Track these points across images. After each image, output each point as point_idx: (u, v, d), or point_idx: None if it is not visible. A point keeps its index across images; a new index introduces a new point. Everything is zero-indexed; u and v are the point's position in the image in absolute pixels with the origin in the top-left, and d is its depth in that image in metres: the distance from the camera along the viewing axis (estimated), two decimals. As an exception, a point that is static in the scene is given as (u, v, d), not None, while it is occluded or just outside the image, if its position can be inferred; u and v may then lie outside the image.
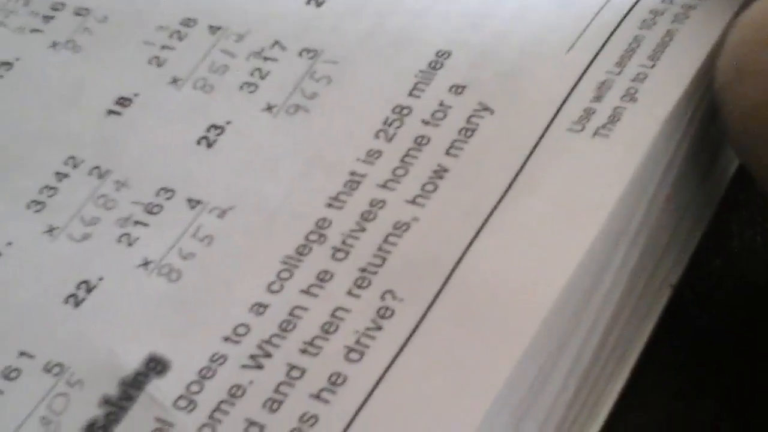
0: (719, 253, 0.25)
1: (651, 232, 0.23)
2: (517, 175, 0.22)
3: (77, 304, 0.22)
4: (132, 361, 0.21)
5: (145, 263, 0.22)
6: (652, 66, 0.23)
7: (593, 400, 0.22)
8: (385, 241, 0.22)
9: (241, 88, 0.25)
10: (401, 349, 0.20)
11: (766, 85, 0.21)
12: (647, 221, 0.22)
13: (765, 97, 0.21)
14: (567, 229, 0.21)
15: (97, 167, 0.24)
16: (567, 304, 0.20)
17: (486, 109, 0.23)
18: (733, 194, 0.25)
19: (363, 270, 0.21)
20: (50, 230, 0.23)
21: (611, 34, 0.23)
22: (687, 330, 0.24)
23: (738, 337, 0.24)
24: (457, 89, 0.23)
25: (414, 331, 0.20)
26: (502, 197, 0.22)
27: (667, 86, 0.22)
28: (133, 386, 0.21)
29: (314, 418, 0.20)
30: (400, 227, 0.22)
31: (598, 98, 0.23)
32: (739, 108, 0.22)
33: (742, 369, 0.23)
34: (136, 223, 0.23)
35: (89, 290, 0.22)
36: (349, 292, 0.21)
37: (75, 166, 0.24)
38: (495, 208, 0.22)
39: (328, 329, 0.21)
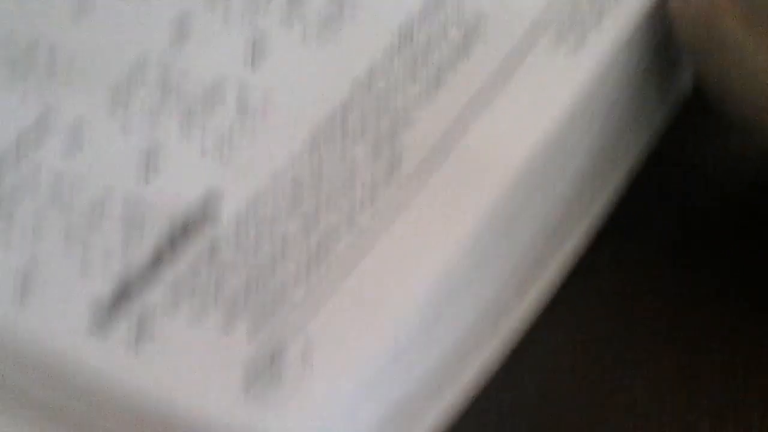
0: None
1: (605, 129, 0.28)
2: (502, 77, 0.28)
3: (147, 168, 0.27)
4: (193, 200, 0.26)
5: (202, 150, 0.28)
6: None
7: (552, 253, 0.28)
8: (394, 127, 0.27)
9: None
10: (405, 197, 0.26)
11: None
12: (602, 118, 0.28)
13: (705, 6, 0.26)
14: (533, 116, 0.27)
15: (159, 80, 0.29)
16: (534, 165, 0.26)
17: (477, 32, 0.29)
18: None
19: (376, 146, 0.27)
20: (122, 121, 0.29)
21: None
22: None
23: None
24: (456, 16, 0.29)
25: (416, 186, 0.26)
26: (491, 93, 0.27)
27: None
28: (193, 219, 0.26)
29: (336, 238, 0.25)
30: (406, 115, 0.27)
31: (570, 22, 0.28)
32: (687, 20, 0.27)
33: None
34: (191, 115, 0.28)
35: (155, 159, 0.27)
36: (365, 160, 0.27)
37: (141, 80, 0.30)
38: (485, 101, 0.27)
39: (348, 184, 0.26)
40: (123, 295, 0.25)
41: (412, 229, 0.25)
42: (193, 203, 0.26)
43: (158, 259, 0.25)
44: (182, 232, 0.26)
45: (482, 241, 0.25)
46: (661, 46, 0.29)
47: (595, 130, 0.28)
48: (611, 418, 0.26)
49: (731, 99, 0.27)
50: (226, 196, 0.26)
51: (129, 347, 0.24)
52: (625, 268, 0.28)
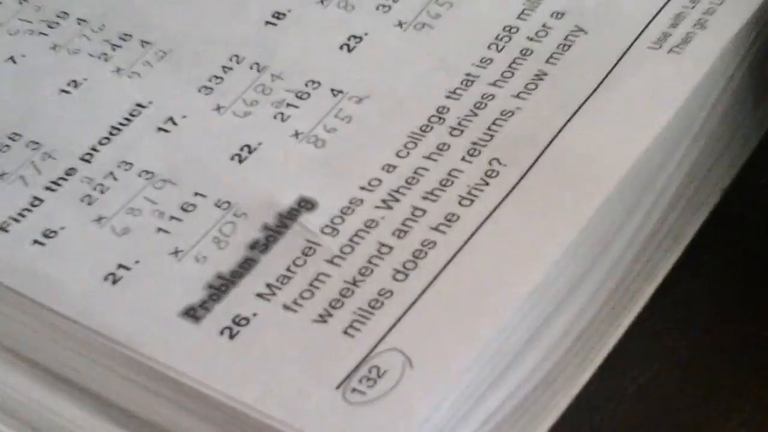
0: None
1: (709, 138, 0.28)
2: (604, 79, 0.27)
3: (241, 161, 0.27)
4: (287, 200, 0.26)
5: (296, 134, 0.28)
6: (720, 3, 0.28)
7: (650, 268, 0.27)
8: (494, 123, 0.27)
9: (377, 8, 0.30)
10: (503, 199, 0.25)
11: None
12: (706, 127, 0.27)
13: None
14: (639, 121, 0.26)
15: (256, 63, 0.29)
16: (636, 176, 0.25)
17: (581, 30, 0.28)
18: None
19: (474, 143, 0.26)
20: (218, 108, 0.29)
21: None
22: (733, 227, 0.29)
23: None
24: (558, 15, 0.29)
25: (515, 186, 0.25)
26: (591, 95, 0.27)
27: (732, 18, 0.28)
28: (288, 218, 0.26)
29: (432, 243, 0.25)
30: (506, 114, 0.27)
31: (674, 25, 0.28)
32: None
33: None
34: (289, 105, 0.28)
35: (251, 151, 0.27)
36: (463, 159, 0.26)
37: (238, 62, 0.30)
38: (584, 102, 0.27)
39: (445, 183, 0.26)
40: (218, 287, 0.25)
41: (510, 232, 0.25)
42: (288, 200, 0.26)
43: (253, 254, 0.25)
44: (277, 229, 0.26)
45: (581, 250, 0.25)
46: (760, 57, 0.28)
47: (697, 138, 0.27)
48: None
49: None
50: (322, 194, 0.26)
51: (223, 337, 0.24)
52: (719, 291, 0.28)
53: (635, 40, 0.28)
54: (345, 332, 0.24)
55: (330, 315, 0.24)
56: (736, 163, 0.29)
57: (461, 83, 0.28)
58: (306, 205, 0.26)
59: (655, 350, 0.27)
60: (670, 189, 0.27)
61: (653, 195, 0.26)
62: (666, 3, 0.28)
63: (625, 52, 0.28)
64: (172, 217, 0.26)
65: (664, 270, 0.28)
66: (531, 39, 0.28)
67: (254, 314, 0.24)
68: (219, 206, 0.26)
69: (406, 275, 0.24)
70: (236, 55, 0.30)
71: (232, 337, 0.24)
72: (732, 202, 0.29)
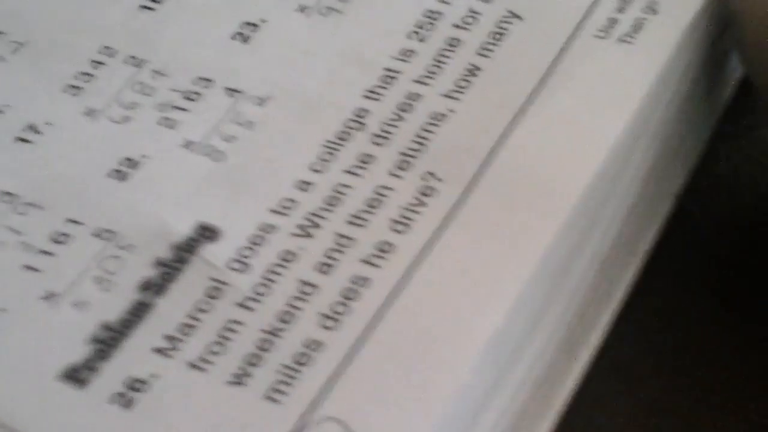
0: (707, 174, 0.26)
1: (665, 137, 0.24)
2: (546, 74, 0.23)
3: (122, 178, 0.23)
4: (183, 228, 0.22)
5: (188, 144, 0.23)
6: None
7: (607, 288, 0.24)
8: (423, 129, 0.23)
9: (274, -10, 0.25)
10: (444, 222, 0.21)
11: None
12: (663, 125, 0.24)
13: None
14: (595, 124, 0.23)
15: (132, 57, 0.25)
16: (597, 188, 0.22)
17: (515, 15, 0.24)
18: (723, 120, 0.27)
19: (403, 154, 0.22)
20: (89, 112, 0.24)
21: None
22: (688, 236, 0.25)
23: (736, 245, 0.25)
24: (486, -2, 0.25)
25: (456, 207, 0.21)
26: (533, 93, 0.23)
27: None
28: (185, 250, 0.21)
29: (365, 280, 0.21)
30: (437, 117, 0.23)
31: (620, 9, 0.24)
32: (756, 17, 0.23)
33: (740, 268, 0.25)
34: (175, 108, 0.24)
35: (133, 166, 0.23)
36: (391, 173, 0.22)
37: (110, 56, 0.25)
38: (527, 102, 0.23)
39: (372, 204, 0.22)
40: (106, 340, 0.20)
41: (458, 264, 0.21)
42: (185, 227, 0.22)
43: (146, 296, 0.21)
44: (173, 265, 0.21)
45: (542, 280, 0.21)
46: (713, 43, 0.25)
47: (654, 138, 0.24)
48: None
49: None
50: (225, 220, 0.22)
51: (115, 406, 0.19)
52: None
53: (577, 27, 0.24)
54: (268, 397, 0.19)
55: (247, 375, 0.20)
56: (688, 163, 0.26)
57: (380, 80, 0.24)
58: (206, 233, 0.22)
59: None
60: (628, 198, 0.23)
61: (611, 207, 0.23)
62: (610, -18, 0.25)
63: (567, 43, 0.24)
64: (41, 251, 0.22)
65: (620, 291, 0.24)
66: (458, 27, 0.24)
67: (153, 375, 0.20)
68: (99, 236, 0.22)
69: (337, 321, 0.20)
70: (107, 47, 0.25)
71: (126, 405, 0.19)
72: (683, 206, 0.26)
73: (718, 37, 0.25)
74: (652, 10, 0.24)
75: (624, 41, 0.24)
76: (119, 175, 0.23)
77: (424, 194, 0.22)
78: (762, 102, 0.26)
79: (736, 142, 0.27)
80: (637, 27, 0.24)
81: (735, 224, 0.26)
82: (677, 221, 0.26)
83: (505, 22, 0.24)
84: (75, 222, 0.22)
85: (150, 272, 0.21)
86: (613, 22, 0.24)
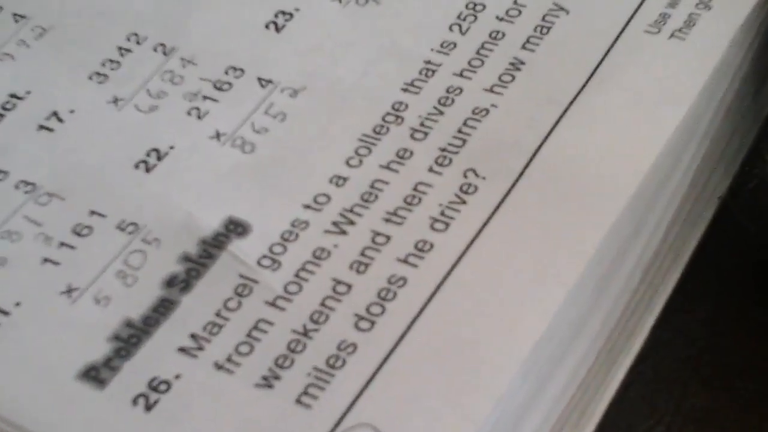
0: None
1: (714, 137, 0.23)
2: (595, 69, 0.22)
3: (148, 169, 0.22)
4: (211, 223, 0.20)
5: (217, 135, 0.22)
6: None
7: (650, 294, 0.23)
8: (465, 124, 0.22)
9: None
10: (487, 222, 0.20)
11: None
12: (713, 125, 0.23)
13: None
14: (646, 122, 0.21)
15: (161, 44, 0.24)
16: (646, 191, 0.21)
17: (561, 9, 0.23)
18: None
19: (443, 150, 0.21)
20: (115, 101, 0.23)
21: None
22: (732, 238, 0.24)
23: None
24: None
25: (499, 205, 0.20)
26: (582, 89, 0.22)
27: (741, -4, 0.23)
28: (213, 245, 0.20)
29: (403, 280, 0.19)
30: (479, 112, 0.22)
31: (672, 4, 0.23)
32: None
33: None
34: (205, 98, 0.23)
35: (160, 157, 0.22)
36: (431, 169, 0.21)
37: (138, 43, 0.24)
38: (575, 98, 0.22)
39: (410, 201, 0.21)
40: (128, 338, 0.19)
41: (499, 265, 0.20)
42: (213, 222, 0.21)
43: (171, 293, 0.20)
44: (200, 261, 0.20)
45: (587, 285, 0.20)
46: (763, 41, 0.24)
47: (704, 139, 0.23)
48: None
49: None
50: (256, 215, 0.21)
51: (137, 408, 0.18)
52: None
53: (628, 21, 0.23)
54: (298, 401, 0.18)
55: (277, 378, 0.19)
56: (732, 167, 0.25)
57: (420, 73, 0.23)
58: (236, 228, 0.21)
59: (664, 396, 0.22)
60: (675, 200, 0.22)
61: (659, 210, 0.22)
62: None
63: (617, 37, 0.23)
64: (62, 244, 0.21)
65: (664, 296, 0.23)
66: (501, 19, 0.23)
67: (177, 376, 0.19)
68: (123, 229, 0.21)
69: (372, 323, 0.19)
70: (135, 34, 0.24)
71: (148, 408, 0.18)
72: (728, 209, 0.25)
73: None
74: (705, 5, 0.23)
75: (676, 37, 0.23)
76: (145, 166, 0.22)
77: (465, 192, 0.21)
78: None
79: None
80: (690, 23, 0.23)
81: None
82: (721, 225, 0.24)
83: (552, 15, 0.23)
84: (98, 214, 0.21)
85: (176, 268, 0.20)
86: (664, 16, 0.23)
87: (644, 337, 0.22)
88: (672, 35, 0.23)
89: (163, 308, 0.20)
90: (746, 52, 0.23)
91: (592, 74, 0.22)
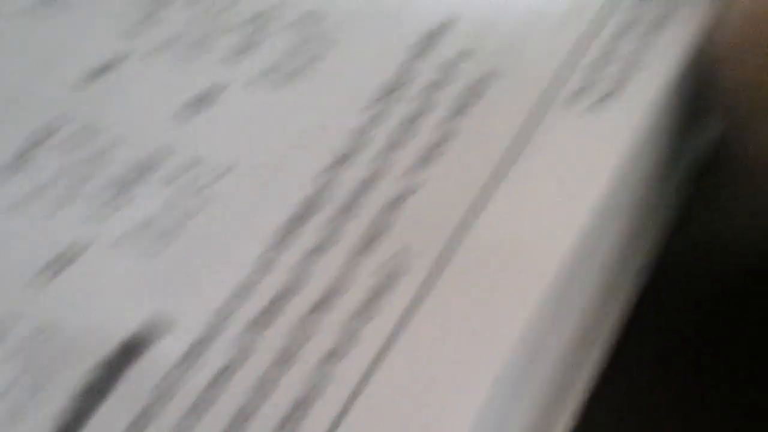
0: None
1: (638, 206, 0.23)
2: (513, 151, 0.22)
3: (55, 274, 0.21)
4: (129, 324, 0.19)
5: (135, 225, 0.21)
6: (646, 45, 0.23)
7: (575, 372, 0.22)
8: (387, 208, 0.21)
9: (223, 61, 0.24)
10: (413, 305, 0.19)
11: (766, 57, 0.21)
12: (637, 193, 0.22)
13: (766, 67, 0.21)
14: (569, 196, 0.21)
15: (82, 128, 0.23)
16: (569, 267, 0.20)
17: (475, 95, 0.23)
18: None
19: (370, 230, 0.20)
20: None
21: (609, 11, 0.23)
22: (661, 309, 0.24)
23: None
24: (463, 56, 0.23)
25: (424, 286, 0.20)
26: (498, 173, 0.21)
27: (664, 59, 0.22)
28: (129, 350, 0.19)
29: (329, 377, 0.19)
30: (406, 191, 0.21)
31: (592, 77, 0.23)
32: (739, 79, 0.22)
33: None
34: (122, 184, 0.22)
35: (67, 261, 0.21)
36: (357, 252, 0.20)
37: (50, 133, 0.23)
38: (492, 183, 0.21)
39: (337, 288, 0.20)
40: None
41: (425, 348, 0.19)
42: (131, 325, 0.20)
43: (87, 402, 0.19)
44: (116, 367, 0.19)
45: (516, 364, 0.19)
46: (686, 108, 0.24)
47: (631, 204, 0.22)
48: None
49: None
50: (175, 319, 0.20)
51: None
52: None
53: (545, 100, 0.22)
54: None
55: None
56: (660, 230, 0.24)
57: (345, 151, 0.22)
58: (155, 328, 0.20)
59: None
60: (602, 271, 0.22)
61: (585, 283, 0.21)
62: (584, 43, 0.23)
63: (532, 116, 0.22)
64: None
65: (588, 372, 0.22)
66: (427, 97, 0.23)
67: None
68: (32, 337, 0.20)
69: (299, 416, 0.18)
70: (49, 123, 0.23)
71: None
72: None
73: (689, 105, 0.24)
74: (623, 80, 0.23)
75: (595, 109, 0.22)
76: (52, 271, 0.21)
77: (392, 274, 0.20)
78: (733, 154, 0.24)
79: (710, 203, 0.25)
80: (609, 95, 0.22)
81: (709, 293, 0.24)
82: (648, 295, 0.24)
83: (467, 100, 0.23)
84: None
85: (90, 376, 0.19)
86: (584, 90, 0.22)
87: (574, 410, 0.22)
88: (590, 108, 0.22)
89: (77, 420, 0.18)
90: (666, 120, 0.23)
91: (509, 157, 0.22)
